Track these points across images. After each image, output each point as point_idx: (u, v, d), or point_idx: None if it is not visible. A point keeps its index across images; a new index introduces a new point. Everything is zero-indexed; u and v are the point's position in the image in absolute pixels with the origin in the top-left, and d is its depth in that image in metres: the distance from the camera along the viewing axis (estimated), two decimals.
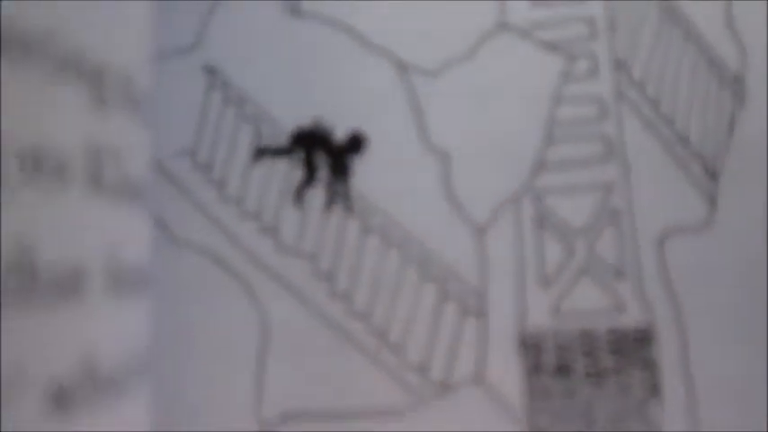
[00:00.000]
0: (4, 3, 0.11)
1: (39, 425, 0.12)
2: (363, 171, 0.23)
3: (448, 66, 0.23)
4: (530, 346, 0.22)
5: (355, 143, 0.23)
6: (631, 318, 0.22)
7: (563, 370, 0.22)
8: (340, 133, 0.23)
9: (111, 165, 0.14)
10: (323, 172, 0.23)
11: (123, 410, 0.14)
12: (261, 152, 0.23)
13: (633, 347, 0.22)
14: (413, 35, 0.23)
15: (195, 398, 0.22)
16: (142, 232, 0.15)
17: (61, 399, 0.12)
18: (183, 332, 0.23)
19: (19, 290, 0.11)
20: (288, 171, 0.23)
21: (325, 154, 0.23)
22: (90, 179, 0.13)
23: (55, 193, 0.12)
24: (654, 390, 0.22)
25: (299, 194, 0.23)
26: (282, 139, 0.23)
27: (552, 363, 0.22)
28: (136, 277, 0.15)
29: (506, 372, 0.22)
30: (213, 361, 0.23)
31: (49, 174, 0.12)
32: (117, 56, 0.14)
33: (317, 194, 0.23)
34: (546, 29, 0.23)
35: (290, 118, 0.23)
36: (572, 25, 0.23)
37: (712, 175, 0.23)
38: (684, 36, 0.23)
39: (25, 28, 0.12)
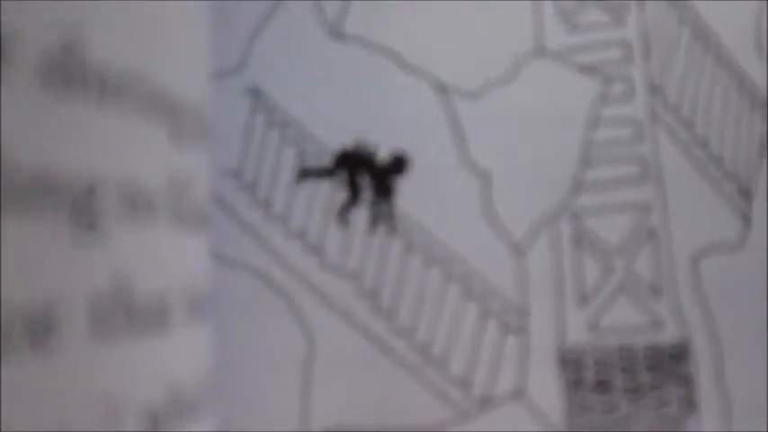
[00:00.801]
0: (99, 45, 0.12)
1: None
2: (406, 191, 0.24)
3: (488, 88, 0.24)
4: (569, 362, 0.23)
5: (398, 164, 0.23)
6: (668, 334, 0.23)
7: (602, 385, 0.23)
8: (383, 154, 0.24)
9: (188, 197, 0.14)
10: (366, 192, 0.24)
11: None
12: (305, 173, 0.24)
13: (670, 363, 0.23)
14: (453, 58, 0.24)
15: (242, 415, 0.23)
16: (207, 258, 0.16)
17: (154, 426, 0.12)
18: (229, 350, 0.23)
19: (117, 323, 0.12)
20: (332, 191, 0.24)
21: (368, 175, 0.24)
22: (173, 212, 0.14)
23: (146, 229, 0.13)
24: (690, 405, 0.23)
25: (344, 214, 0.24)
26: (326, 160, 0.24)
27: (592, 378, 0.23)
28: (206, 303, 0.16)
29: (546, 387, 0.23)
30: (259, 378, 0.23)
31: (141, 210, 0.12)
32: (189, 89, 0.15)
33: (361, 214, 0.24)
34: (582, 53, 0.24)
35: (334, 139, 0.24)
36: (608, 49, 0.24)
37: (746, 194, 0.23)
38: (716, 60, 0.24)
39: (118, 70, 0.12)
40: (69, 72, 0.11)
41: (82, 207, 0.11)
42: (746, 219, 0.23)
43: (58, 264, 0.11)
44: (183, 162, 0.14)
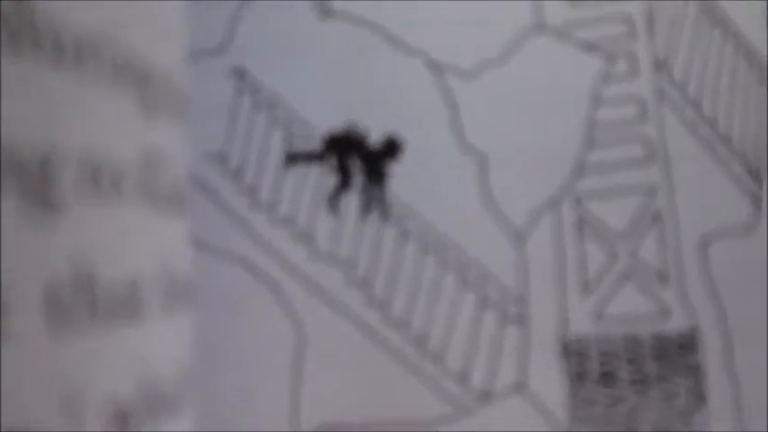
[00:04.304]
0: (58, 6, 0.11)
1: None
2: (399, 176, 0.23)
3: (484, 67, 0.23)
4: (572, 353, 0.22)
5: (391, 147, 0.23)
6: (675, 323, 0.23)
7: (607, 377, 0.22)
8: (375, 137, 0.23)
9: (162, 174, 0.13)
10: (358, 177, 0.23)
11: (175, 428, 0.14)
12: (293, 158, 0.23)
13: (678, 354, 0.22)
14: (447, 35, 0.23)
15: (229, 411, 0.22)
16: (186, 242, 0.15)
17: (122, 422, 0.12)
18: (214, 344, 0.22)
19: (78, 312, 0.11)
20: (321, 177, 0.23)
21: (359, 159, 0.23)
22: (144, 190, 0.13)
23: (111, 207, 0.12)
24: (699, 397, 0.22)
25: (334, 201, 0.23)
26: (315, 143, 0.23)
27: (596, 370, 0.22)
28: (185, 290, 0.15)
29: (549, 380, 0.22)
30: (247, 374, 0.23)
31: (106, 185, 0.11)
32: (162, 59, 0.14)
33: (352, 200, 0.23)
34: (584, 28, 0.23)
35: (323, 121, 0.23)
36: (610, 25, 0.23)
37: (756, 175, 0.23)
38: (724, 35, 0.23)
39: (78, 33, 0.11)
40: (19, 29, 0.10)
41: (35, 181, 0.10)
42: (757, 201, 0.23)
43: (7, 246, 0.10)
44: (156, 135, 0.14)
